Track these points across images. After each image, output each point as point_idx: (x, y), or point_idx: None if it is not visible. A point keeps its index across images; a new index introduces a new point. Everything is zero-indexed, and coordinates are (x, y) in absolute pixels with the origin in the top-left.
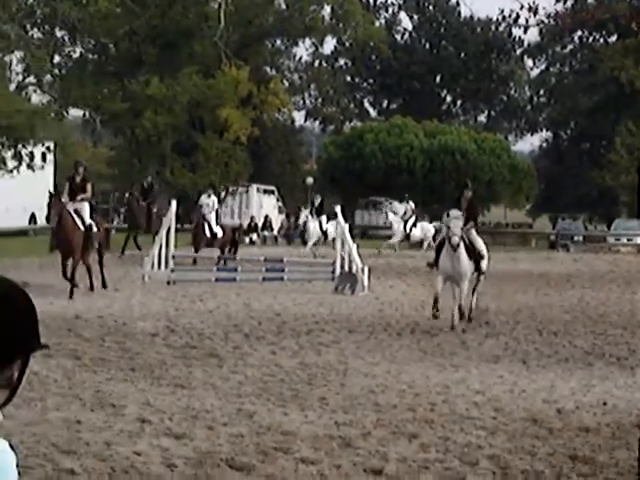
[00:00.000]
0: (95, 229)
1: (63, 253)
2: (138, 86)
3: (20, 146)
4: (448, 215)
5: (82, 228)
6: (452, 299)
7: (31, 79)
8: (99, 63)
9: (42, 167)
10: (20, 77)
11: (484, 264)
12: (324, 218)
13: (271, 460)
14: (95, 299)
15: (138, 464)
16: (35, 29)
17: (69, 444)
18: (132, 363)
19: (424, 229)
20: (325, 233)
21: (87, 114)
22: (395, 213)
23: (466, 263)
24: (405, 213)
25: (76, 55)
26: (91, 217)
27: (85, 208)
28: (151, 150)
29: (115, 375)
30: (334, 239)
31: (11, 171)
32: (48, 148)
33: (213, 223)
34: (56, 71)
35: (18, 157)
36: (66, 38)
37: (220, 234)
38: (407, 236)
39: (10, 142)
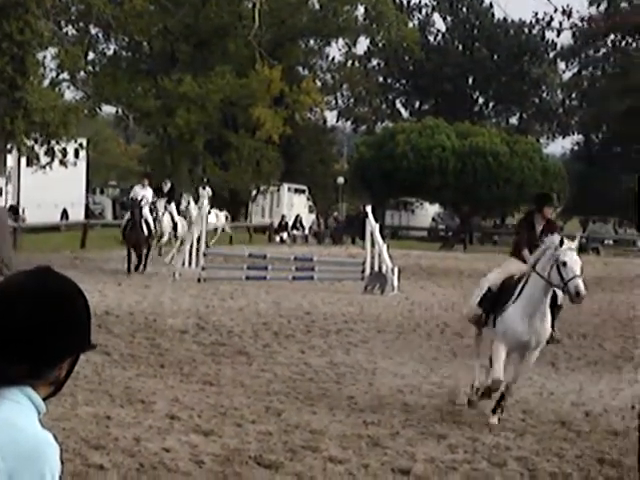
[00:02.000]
0: None
1: None
2: (171, 84)
3: (53, 142)
4: (557, 247)
5: None
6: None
7: (65, 75)
8: (133, 61)
9: (75, 164)
10: (54, 73)
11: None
12: (174, 208)
13: (299, 458)
14: (126, 295)
15: (167, 460)
16: (69, 26)
17: (98, 439)
18: (162, 360)
19: (218, 216)
20: (176, 226)
21: (120, 111)
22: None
23: (549, 323)
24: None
25: (110, 52)
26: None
27: None
28: (183, 148)
29: (145, 371)
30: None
31: (44, 167)
32: (81, 145)
33: (150, 219)
34: (90, 68)
35: (51, 153)
36: (100, 35)
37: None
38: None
39: (43, 138)
